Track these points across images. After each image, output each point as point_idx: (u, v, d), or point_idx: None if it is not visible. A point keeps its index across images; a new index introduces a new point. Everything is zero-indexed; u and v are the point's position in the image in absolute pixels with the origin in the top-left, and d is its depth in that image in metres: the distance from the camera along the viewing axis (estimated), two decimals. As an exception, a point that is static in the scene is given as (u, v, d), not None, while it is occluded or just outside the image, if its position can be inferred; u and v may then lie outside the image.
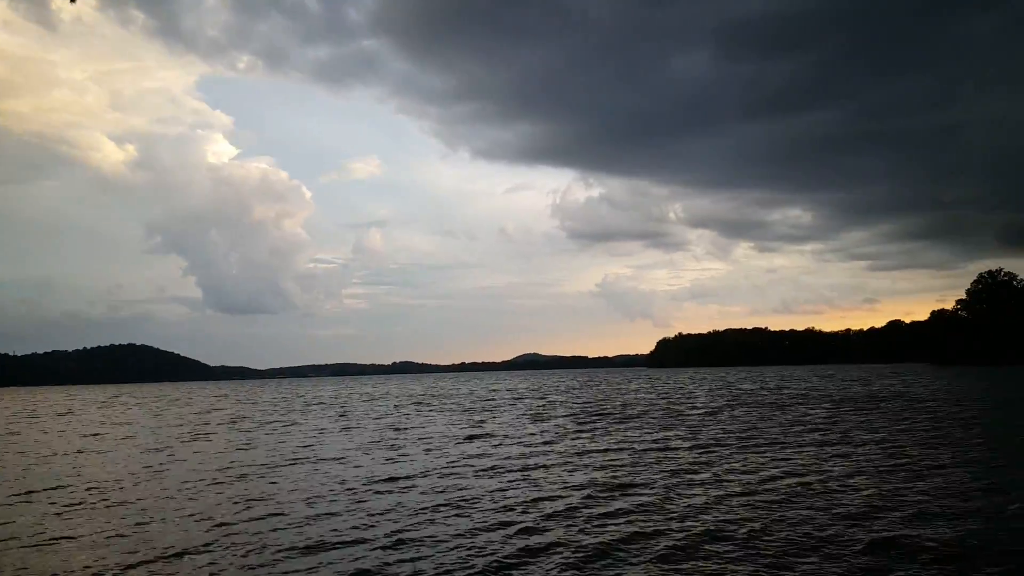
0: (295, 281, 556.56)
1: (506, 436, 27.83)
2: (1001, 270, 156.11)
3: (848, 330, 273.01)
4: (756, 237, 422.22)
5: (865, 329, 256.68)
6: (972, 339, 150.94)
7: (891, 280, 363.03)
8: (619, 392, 64.80)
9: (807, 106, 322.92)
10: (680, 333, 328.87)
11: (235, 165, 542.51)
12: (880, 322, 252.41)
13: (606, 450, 21.61)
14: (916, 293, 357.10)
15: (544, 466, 19.29)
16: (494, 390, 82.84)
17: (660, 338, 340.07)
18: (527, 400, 54.72)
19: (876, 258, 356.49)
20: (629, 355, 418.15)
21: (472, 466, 20.12)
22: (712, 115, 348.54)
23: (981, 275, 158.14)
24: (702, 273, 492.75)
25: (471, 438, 27.51)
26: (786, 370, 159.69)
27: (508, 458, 21.32)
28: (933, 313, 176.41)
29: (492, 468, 19.64)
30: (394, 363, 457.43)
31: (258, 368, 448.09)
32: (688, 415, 35.14)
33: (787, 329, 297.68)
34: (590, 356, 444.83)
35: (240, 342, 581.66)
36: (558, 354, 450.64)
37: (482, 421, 36.07)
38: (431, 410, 47.19)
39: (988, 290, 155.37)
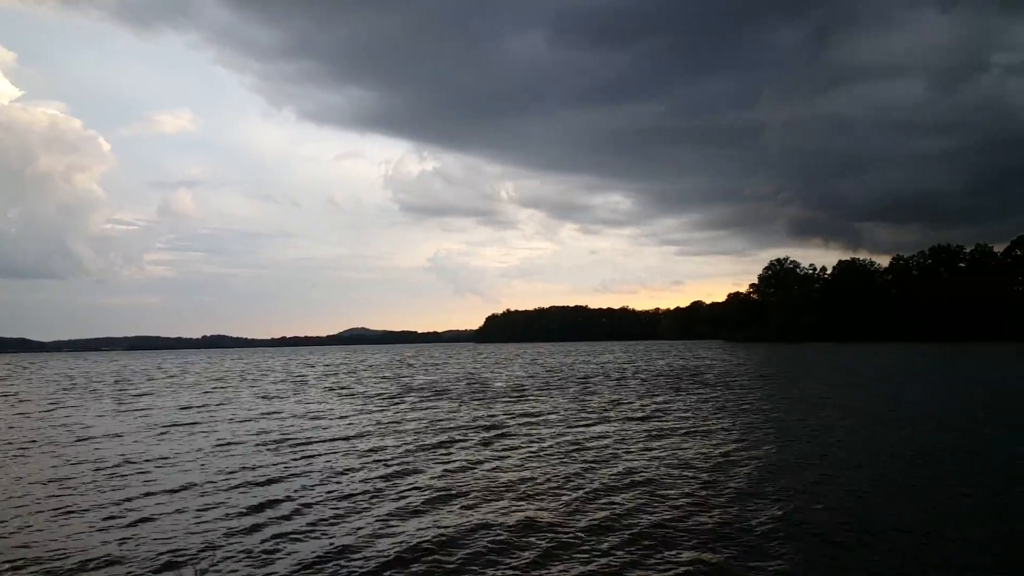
0: (88, 243, 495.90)
1: (295, 415, 24.63)
2: (788, 258, 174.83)
3: (658, 309, 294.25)
4: (581, 220, 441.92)
5: (672, 309, 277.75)
6: (761, 318, 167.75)
7: (696, 264, 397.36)
8: (437, 367, 63.10)
9: (631, 98, 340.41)
10: (508, 309, 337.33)
11: (17, 108, 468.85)
12: (685, 302, 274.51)
13: (395, 424, 19.17)
14: (717, 277, 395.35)
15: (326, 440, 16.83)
16: (309, 365, 78.08)
17: (489, 314, 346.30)
18: (339, 376, 51.07)
19: (685, 244, 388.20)
20: (458, 330, 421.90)
21: (243, 443, 17.97)
22: (546, 99, 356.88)
23: (771, 262, 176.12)
24: (531, 252, 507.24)
25: (259, 417, 24.01)
26: (602, 345, 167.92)
27: (284, 437, 18.71)
28: (730, 295, 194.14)
29: (267, 445, 17.95)
30: (204, 337, 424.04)
31: (41, 340, 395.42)
32: (490, 391, 33.94)
33: (605, 307, 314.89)
34: (420, 331, 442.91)
35: (20, 310, 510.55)
36: (387, 329, 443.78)
37: (279, 398, 32.32)
38: (230, 387, 42.30)
39: (776, 275, 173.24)
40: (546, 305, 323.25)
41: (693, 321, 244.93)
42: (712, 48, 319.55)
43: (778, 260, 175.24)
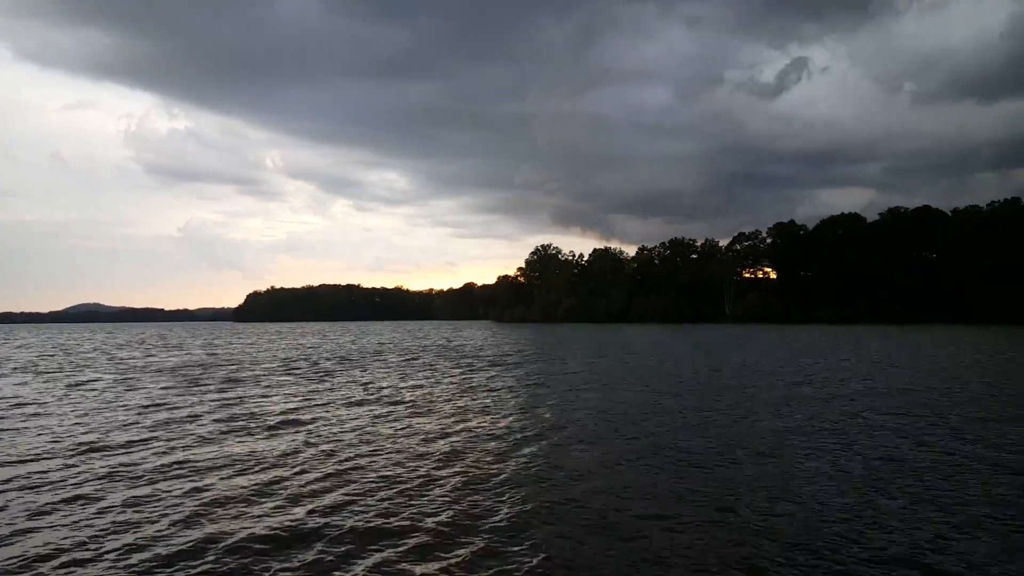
0: None
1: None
2: (551, 244, 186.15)
3: (432, 290, 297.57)
4: (354, 196, 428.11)
5: (446, 290, 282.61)
6: (527, 300, 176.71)
7: (470, 247, 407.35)
8: (177, 349, 56.31)
9: (411, 76, 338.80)
10: (273, 287, 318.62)
11: None
12: (459, 284, 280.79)
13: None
14: (490, 259, 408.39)
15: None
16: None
17: (251, 291, 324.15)
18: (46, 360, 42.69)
19: (459, 226, 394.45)
20: (215, 308, 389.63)
21: None
22: (321, 67, 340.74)
23: (537, 248, 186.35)
24: (299, 226, 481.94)
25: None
26: (374, 325, 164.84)
27: None
28: (500, 278, 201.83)
29: None
30: None
31: None
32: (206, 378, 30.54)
33: (379, 287, 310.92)
34: (167, 309, 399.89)
35: None
36: (127, 305, 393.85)
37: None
38: None
39: (541, 260, 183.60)
40: (315, 283, 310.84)
41: (466, 302, 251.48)
42: (489, 36, 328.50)
43: (543, 246, 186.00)
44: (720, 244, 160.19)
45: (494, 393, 22.41)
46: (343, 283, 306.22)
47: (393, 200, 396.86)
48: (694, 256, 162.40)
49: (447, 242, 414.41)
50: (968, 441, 13.56)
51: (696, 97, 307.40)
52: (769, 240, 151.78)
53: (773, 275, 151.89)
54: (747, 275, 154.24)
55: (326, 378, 27.79)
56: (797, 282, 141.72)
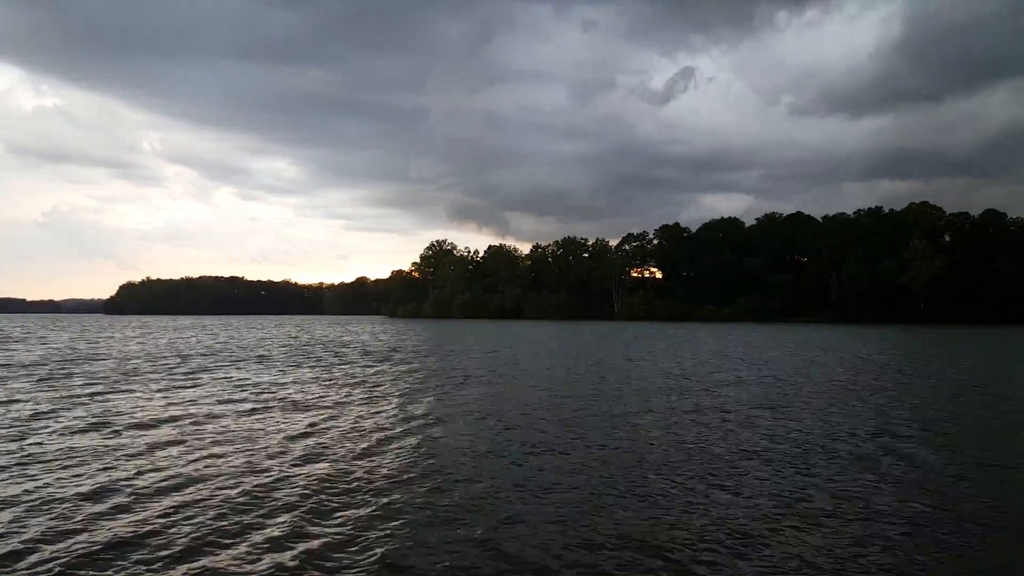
0: None
1: None
2: (447, 240, 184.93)
3: (322, 284, 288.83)
4: (240, 184, 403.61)
5: (337, 284, 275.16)
6: (422, 295, 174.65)
7: (363, 240, 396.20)
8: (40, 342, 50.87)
9: (302, 62, 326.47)
10: (148, 277, 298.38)
11: None
12: (351, 278, 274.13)
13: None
14: (383, 254, 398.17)
15: None
16: None
17: (124, 281, 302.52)
18: None
19: (352, 219, 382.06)
20: (83, 299, 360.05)
21: None
22: (204, 47, 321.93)
23: (432, 243, 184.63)
24: (179, 214, 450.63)
25: None
26: (259, 319, 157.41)
27: None
28: (393, 272, 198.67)
29: None
30: None
31: None
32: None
33: (266, 279, 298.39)
34: (29, 299, 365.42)
35: None
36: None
37: None
38: None
39: (436, 255, 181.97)
40: (195, 274, 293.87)
41: (358, 297, 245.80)
42: (385, 26, 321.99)
43: (438, 241, 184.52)
44: (610, 244, 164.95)
45: (372, 389, 21.47)
46: (226, 275, 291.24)
47: (281, 189, 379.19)
48: (585, 255, 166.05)
49: (339, 235, 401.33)
50: (797, 429, 14.29)
51: (589, 100, 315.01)
52: (656, 241, 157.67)
53: (659, 275, 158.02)
54: (635, 274, 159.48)
55: (195, 375, 25.70)
56: (681, 282, 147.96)
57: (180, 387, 21.22)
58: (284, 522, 8.13)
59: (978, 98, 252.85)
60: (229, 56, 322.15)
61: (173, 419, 15.12)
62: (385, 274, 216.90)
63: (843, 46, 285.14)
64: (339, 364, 30.78)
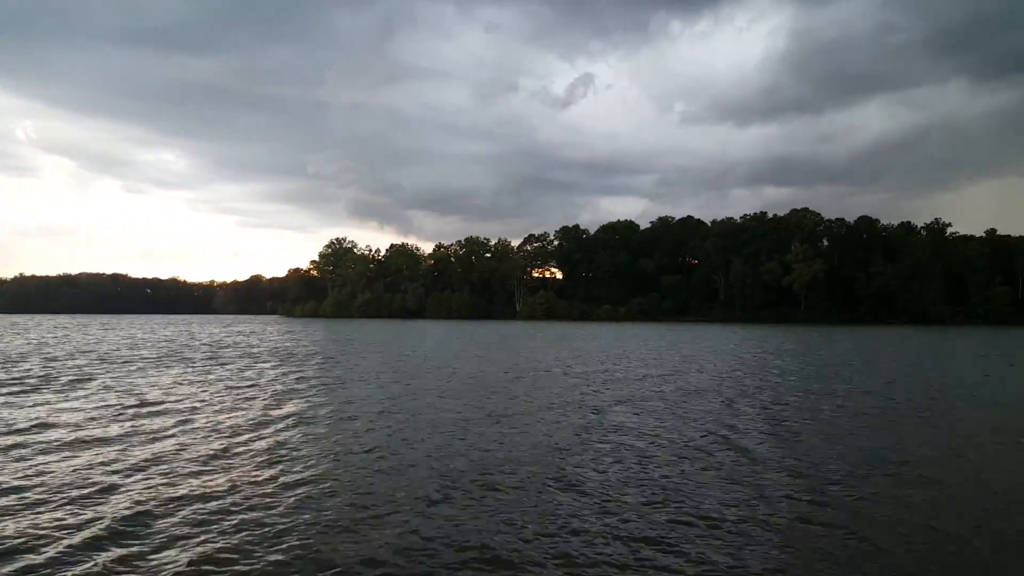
0: None
1: None
2: (347, 238, 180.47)
3: (213, 282, 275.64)
4: (124, 176, 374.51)
5: (230, 282, 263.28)
6: (320, 295, 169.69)
7: (258, 237, 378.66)
8: None
9: (191, 50, 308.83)
10: (22, 274, 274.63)
11: None
12: (244, 275, 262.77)
13: None
14: (279, 251, 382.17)
15: None
16: None
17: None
18: None
19: (246, 214, 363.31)
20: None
21: None
22: (88, 30, 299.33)
23: (331, 241, 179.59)
24: (57, 208, 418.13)
25: None
26: (143, 319, 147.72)
27: None
28: (290, 271, 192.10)
29: None
30: None
31: None
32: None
33: (152, 277, 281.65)
34: None
35: None
36: None
37: None
38: None
39: (336, 254, 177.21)
40: (75, 271, 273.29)
41: (252, 296, 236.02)
42: (283, 16, 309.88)
43: (338, 239, 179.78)
44: (512, 244, 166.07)
45: (247, 391, 20.30)
46: (108, 272, 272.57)
47: (170, 183, 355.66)
48: (488, 255, 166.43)
49: (232, 231, 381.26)
50: (663, 415, 14.78)
51: (492, 101, 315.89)
52: (556, 242, 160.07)
53: (559, 275, 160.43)
54: (536, 274, 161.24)
55: (48, 382, 23.43)
56: (580, 282, 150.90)
57: (25, 390, 19.21)
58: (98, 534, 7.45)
59: (854, 111, 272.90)
60: (114, 41, 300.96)
61: (14, 427, 13.57)
62: (281, 272, 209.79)
63: (732, 57, 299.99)
64: (212, 366, 29.05)
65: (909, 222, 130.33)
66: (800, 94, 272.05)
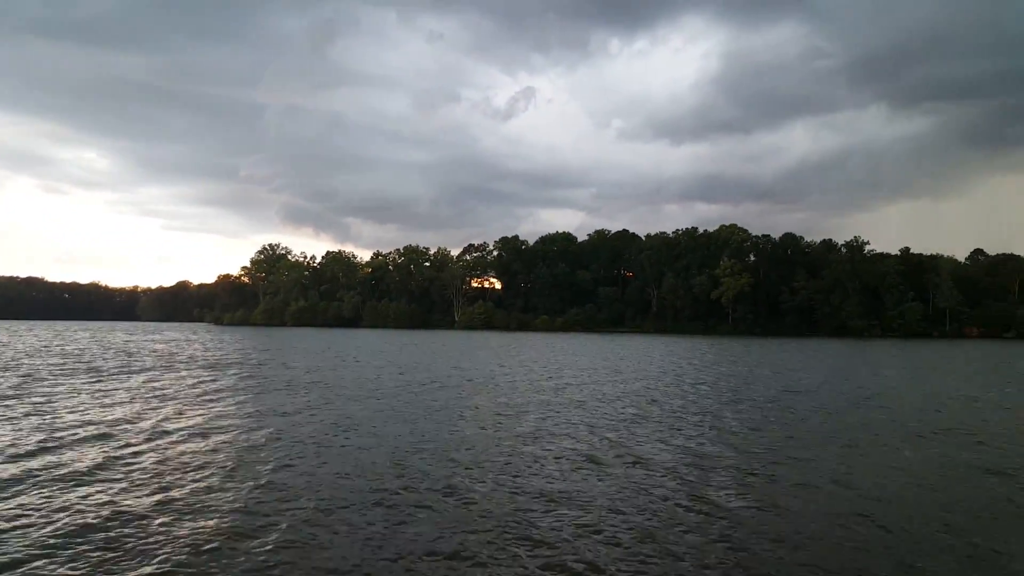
0: None
1: None
2: (280, 244, 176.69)
3: (136, 287, 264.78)
4: (41, 174, 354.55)
5: (155, 288, 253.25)
6: (252, 302, 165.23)
7: (185, 241, 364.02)
8: None
9: (119, 46, 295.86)
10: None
11: None
12: (170, 281, 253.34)
13: None
14: (208, 257, 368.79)
15: None
16: None
17: None
18: None
19: (172, 218, 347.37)
20: None
21: None
22: (3, 19, 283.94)
23: (264, 246, 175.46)
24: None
25: None
26: (60, 325, 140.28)
27: None
28: (220, 277, 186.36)
29: None
30: None
31: None
32: None
33: (70, 281, 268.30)
34: None
35: None
36: None
37: None
38: None
39: (268, 260, 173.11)
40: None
41: (179, 302, 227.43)
42: (217, 14, 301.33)
43: (271, 245, 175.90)
44: (452, 253, 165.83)
45: (152, 402, 19.64)
46: (22, 276, 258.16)
47: (91, 183, 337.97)
48: (427, 264, 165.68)
49: (158, 235, 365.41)
50: (571, 423, 15.14)
51: (434, 110, 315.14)
52: (495, 252, 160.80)
53: (498, 285, 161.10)
54: (475, 284, 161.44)
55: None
56: (519, 293, 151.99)
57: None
58: None
59: (781, 132, 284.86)
60: (34, 32, 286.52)
61: None
62: (210, 278, 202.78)
63: (668, 77, 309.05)
64: (121, 375, 27.89)
65: (830, 239, 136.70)
66: (731, 115, 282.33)
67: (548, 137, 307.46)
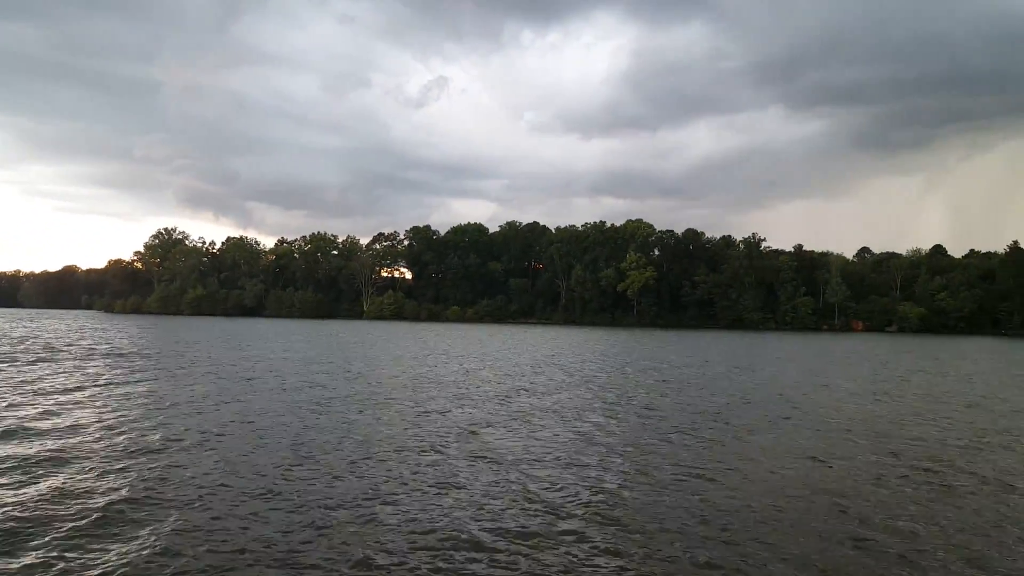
0: None
1: None
2: (176, 228, 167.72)
3: (18, 271, 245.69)
4: None
5: (39, 273, 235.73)
6: (146, 289, 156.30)
7: (73, 224, 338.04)
8: None
9: (4, 13, 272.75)
10: None
11: None
12: (56, 266, 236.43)
13: None
14: (98, 240, 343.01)
15: None
16: None
17: None
18: None
19: (60, 198, 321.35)
20: None
21: None
22: None
23: (159, 231, 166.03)
24: None
25: None
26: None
27: None
28: (111, 262, 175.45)
29: None
30: None
31: None
32: None
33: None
34: None
35: None
36: None
37: None
38: None
39: (164, 245, 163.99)
40: None
41: (65, 288, 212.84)
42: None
43: (167, 229, 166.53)
44: (361, 242, 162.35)
45: (34, 396, 17.89)
46: None
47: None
48: (335, 252, 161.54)
49: (45, 216, 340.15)
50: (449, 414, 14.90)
51: (344, 94, 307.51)
52: (406, 242, 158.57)
53: (409, 275, 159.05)
54: (385, 274, 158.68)
55: None
56: (430, 283, 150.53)
57: None
58: None
59: (686, 130, 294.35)
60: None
61: None
62: (100, 263, 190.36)
63: (579, 71, 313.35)
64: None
65: (730, 236, 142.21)
66: (639, 112, 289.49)
67: (461, 127, 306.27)
